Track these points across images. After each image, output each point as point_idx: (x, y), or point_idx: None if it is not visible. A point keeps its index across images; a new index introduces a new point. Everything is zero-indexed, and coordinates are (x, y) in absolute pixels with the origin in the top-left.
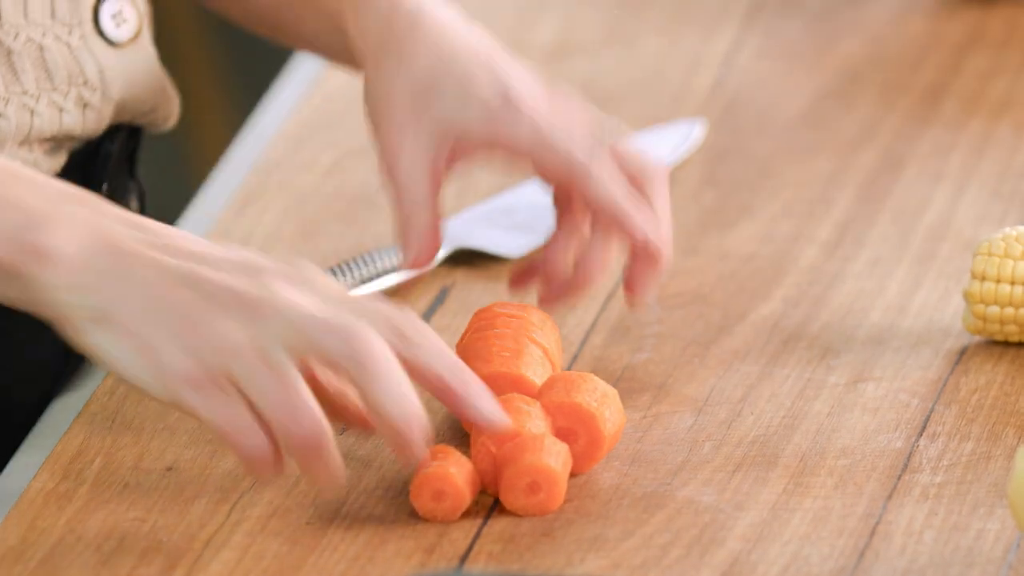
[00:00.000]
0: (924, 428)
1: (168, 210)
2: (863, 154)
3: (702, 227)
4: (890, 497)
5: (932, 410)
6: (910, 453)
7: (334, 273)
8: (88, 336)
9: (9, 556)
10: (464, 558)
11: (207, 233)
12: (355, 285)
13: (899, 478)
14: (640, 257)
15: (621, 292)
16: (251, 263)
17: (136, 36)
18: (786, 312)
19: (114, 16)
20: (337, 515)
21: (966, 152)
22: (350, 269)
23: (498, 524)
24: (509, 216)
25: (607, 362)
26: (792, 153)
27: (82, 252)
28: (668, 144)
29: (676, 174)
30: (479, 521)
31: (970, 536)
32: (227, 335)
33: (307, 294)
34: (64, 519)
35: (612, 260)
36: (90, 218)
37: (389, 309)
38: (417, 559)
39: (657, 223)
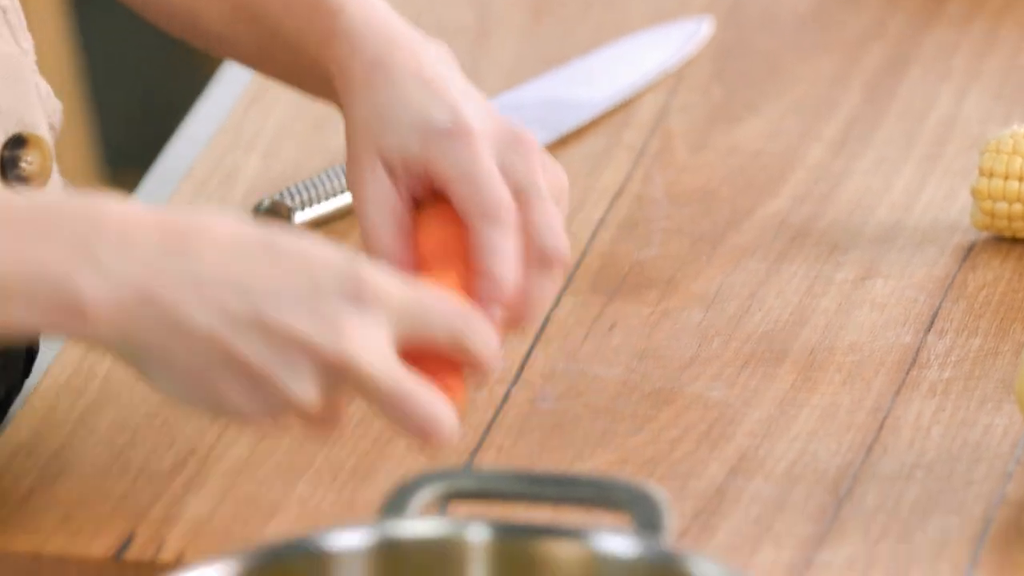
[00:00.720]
0: (932, 324)
1: (175, 108)
2: (869, 53)
3: (710, 123)
4: (898, 392)
5: (940, 306)
6: (918, 349)
7: (337, 175)
8: (141, 372)
9: (21, 451)
10: (474, 452)
11: (218, 129)
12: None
13: (907, 373)
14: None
15: (629, 189)
16: (314, 290)
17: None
18: (793, 208)
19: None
20: (348, 408)
21: (971, 52)
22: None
23: (507, 419)
24: (519, 111)
25: (615, 258)
26: (799, 51)
27: (121, 307)
28: (675, 42)
29: (684, 71)
30: (489, 416)
31: (978, 431)
32: (298, 393)
33: (376, 328)
34: (76, 414)
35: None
36: (122, 260)
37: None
38: (427, 453)
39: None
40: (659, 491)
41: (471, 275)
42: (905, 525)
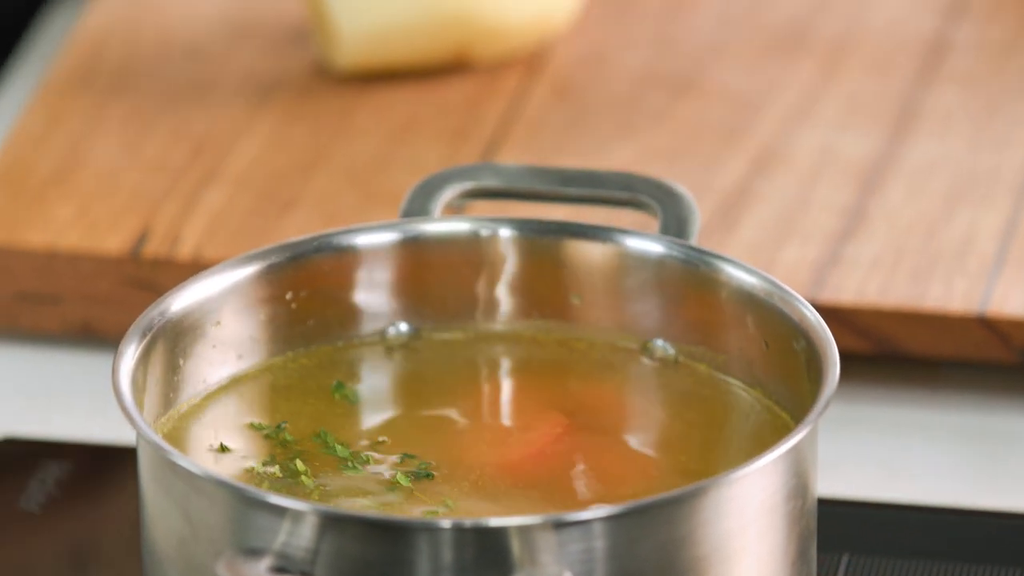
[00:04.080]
0: (957, 10)
1: None
2: None
3: None
4: (924, 82)
5: None
6: (944, 37)
7: None
8: None
9: (33, 141)
10: (494, 144)
11: None
12: None
13: (932, 62)
14: None
15: None
16: None
17: None
18: None
19: None
20: (364, 100)
21: None
22: None
23: (527, 110)
24: None
25: None
26: None
27: None
28: None
29: None
30: (508, 107)
31: (1004, 121)
32: None
33: None
34: (87, 104)
35: None
36: None
37: None
38: (445, 145)
39: None
40: (686, 190)
41: None
42: (931, 219)
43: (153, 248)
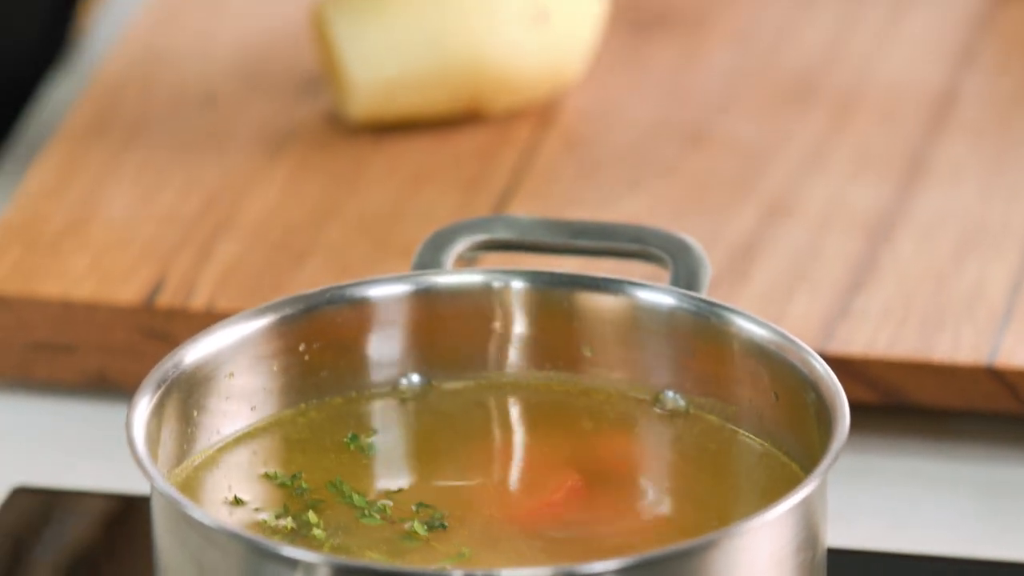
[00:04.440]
0: (966, 61)
1: None
2: None
3: None
4: (933, 133)
5: (975, 43)
6: (953, 87)
7: None
8: None
9: (48, 192)
10: (505, 195)
11: None
12: None
13: (942, 113)
14: None
15: None
16: None
17: None
18: None
19: None
20: (377, 151)
21: None
22: None
23: (538, 161)
24: None
25: None
26: None
27: None
28: None
29: None
30: (520, 158)
31: (1013, 172)
32: None
33: None
34: (102, 155)
35: None
36: None
37: None
38: (458, 197)
39: None
40: (697, 243)
41: None
42: (941, 271)
43: (167, 298)
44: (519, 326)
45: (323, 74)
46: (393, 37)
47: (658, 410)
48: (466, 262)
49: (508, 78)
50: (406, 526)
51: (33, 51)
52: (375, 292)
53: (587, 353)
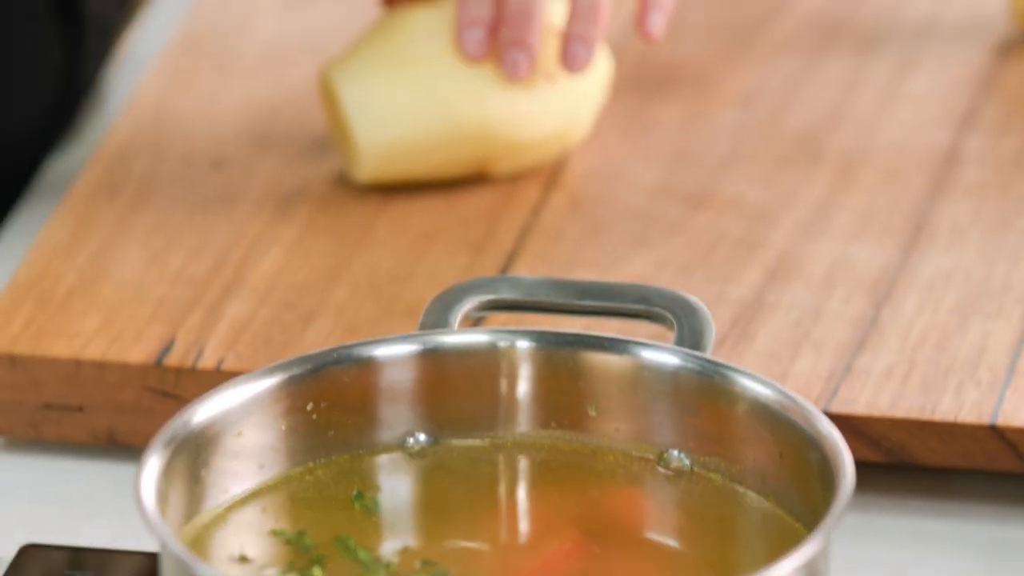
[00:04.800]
0: (969, 123)
1: None
2: None
3: None
4: (935, 194)
5: (976, 104)
6: (955, 148)
7: None
8: None
9: (59, 252)
10: (511, 256)
11: None
12: None
13: (944, 174)
14: None
15: None
16: None
17: None
18: (829, 1)
19: None
20: (384, 212)
21: None
22: None
23: (544, 221)
24: None
25: (650, 55)
26: None
27: None
28: None
29: None
30: (526, 219)
31: (1015, 233)
32: None
33: None
34: (112, 215)
35: None
36: None
37: None
38: (464, 257)
39: None
40: (701, 303)
41: None
42: (943, 331)
43: (177, 358)
44: (525, 385)
45: (331, 136)
46: (400, 101)
47: (662, 469)
48: (472, 322)
49: (515, 141)
50: None
51: (44, 118)
52: (382, 352)
53: (592, 412)
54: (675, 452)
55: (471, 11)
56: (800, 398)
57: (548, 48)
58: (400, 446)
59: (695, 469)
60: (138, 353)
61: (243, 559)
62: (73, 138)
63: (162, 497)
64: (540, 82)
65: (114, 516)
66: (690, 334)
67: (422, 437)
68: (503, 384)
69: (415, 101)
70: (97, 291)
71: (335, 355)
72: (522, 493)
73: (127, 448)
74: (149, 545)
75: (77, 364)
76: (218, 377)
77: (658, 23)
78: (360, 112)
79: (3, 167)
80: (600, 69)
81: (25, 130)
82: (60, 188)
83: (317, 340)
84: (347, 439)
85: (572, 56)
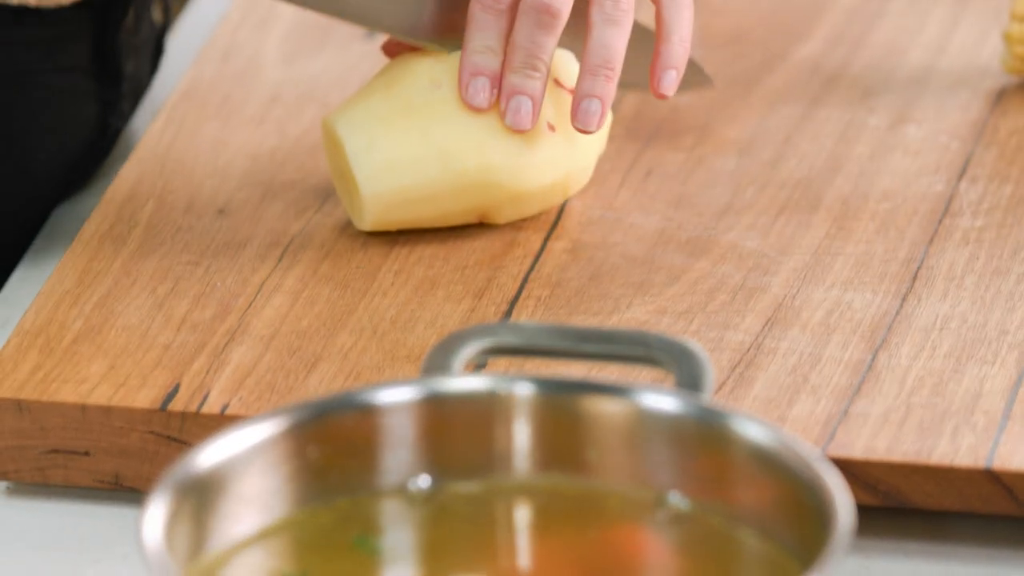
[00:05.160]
0: (964, 171)
1: None
2: None
3: None
4: (931, 241)
5: (972, 153)
6: (951, 196)
7: None
8: None
9: (66, 299)
10: (513, 302)
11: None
12: None
13: (940, 222)
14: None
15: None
16: None
17: None
18: (826, 51)
19: None
20: (387, 259)
21: None
22: None
23: (545, 268)
24: None
25: (649, 105)
26: None
27: None
28: None
29: None
30: (527, 266)
31: (1011, 280)
32: None
33: None
34: (118, 262)
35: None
36: None
37: None
38: (466, 304)
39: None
40: (700, 348)
41: None
42: (939, 376)
43: (182, 403)
44: (526, 430)
45: (334, 184)
46: (403, 150)
47: (662, 512)
48: (474, 367)
49: (517, 191)
50: None
51: (71, 169)
52: (385, 397)
53: (592, 456)
54: (674, 495)
55: (476, 61)
56: (798, 442)
57: (550, 98)
58: (402, 490)
59: (694, 512)
60: (143, 398)
61: None
62: (81, 185)
63: (166, 540)
64: (542, 132)
65: (119, 560)
66: (689, 379)
67: (424, 481)
68: (504, 429)
69: (418, 150)
70: (103, 337)
71: (338, 401)
72: (523, 536)
73: (133, 492)
74: None
75: (83, 409)
76: (222, 422)
77: (672, 83)
78: (363, 160)
79: (27, 214)
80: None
81: (52, 180)
82: (67, 235)
83: (321, 386)
84: (350, 483)
85: (585, 113)
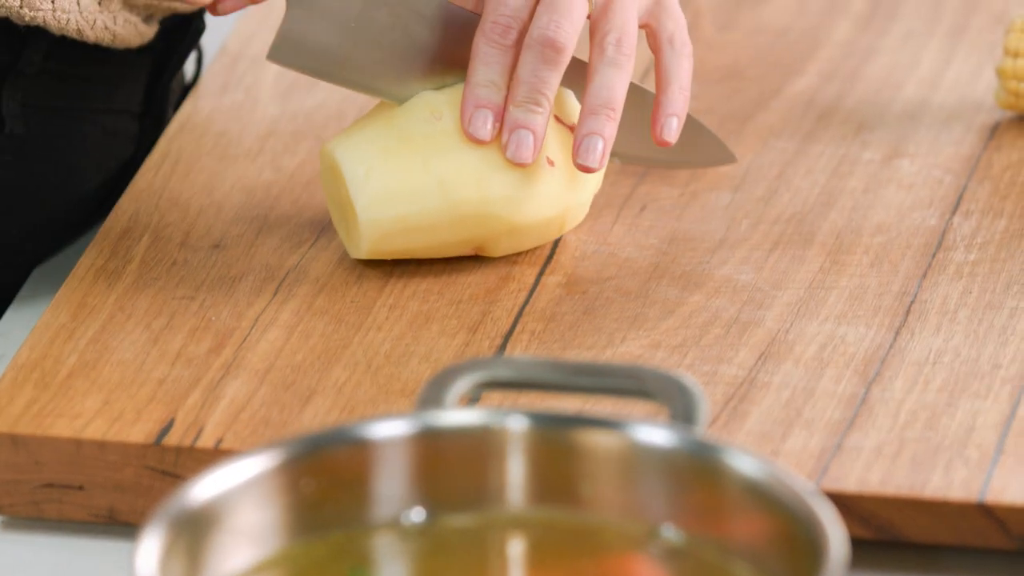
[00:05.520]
0: (958, 205)
1: None
2: None
3: (736, 2)
4: (925, 275)
5: (965, 187)
6: (944, 231)
7: None
8: None
9: (61, 334)
10: (507, 336)
11: None
12: None
13: (933, 256)
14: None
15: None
16: None
17: None
18: (820, 87)
19: None
20: (382, 293)
21: None
22: None
23: (540, 302)
24: None
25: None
26: None
27: None
28: None
29: None
30: (521, 300)
31: (1004, 314)
32: None
33: None
34: (113, 297)
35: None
36: None
37: None
38: (461, 338)
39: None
40: (694, 382)
41: None
42: (932, 410)
43: (176, 438)
44: (520, 463)
45: (330, 212)
46: (401, 179)
47: (656, 545)
48: (468, 401)
49: (514, 224)
50: None
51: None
52: (379, 431)
53: (586, 489)
54: (668, 527)
55: (480, 94)
56: (791, 476)
57: (551, 134)
58: (396, 523)
59: (687, 545)
60: (138, 433)
61: None
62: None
63: (161, 574)
64: (542, 167)
65: None
66: (683, 413)
67: (418, 514)
68: (498, 462)
69: (417, 180)
70: (98, 372)
71: (332, 435)
72: (517, 570)
73: (127, 527)
74: None
75: (78, 444)
76: (217, 456)
77: (674, 130)
78: (361, 188)
79: (51, 243)
80: None
81: (77, 214)
82: (63, 270)
83: (315, 420)
84: (344, 516)
85: (587, 151)
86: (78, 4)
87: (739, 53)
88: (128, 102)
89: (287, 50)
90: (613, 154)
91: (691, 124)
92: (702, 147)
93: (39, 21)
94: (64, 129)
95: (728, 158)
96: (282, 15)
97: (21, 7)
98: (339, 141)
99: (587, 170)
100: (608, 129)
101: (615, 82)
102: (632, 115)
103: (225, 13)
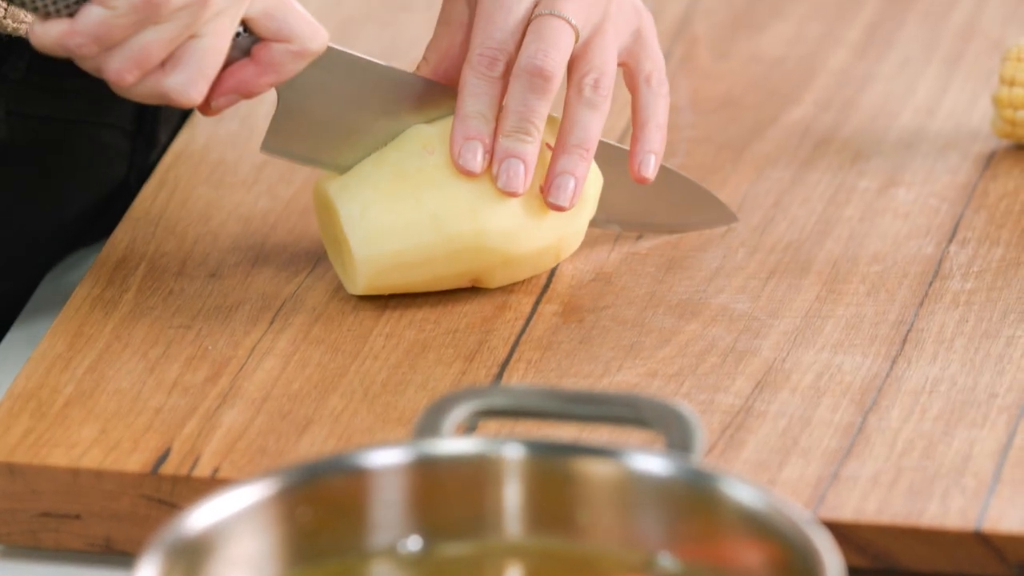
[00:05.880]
0: (954, 234)
1: None
2: None
3: (732, 30)
4: (921, 304)
5: (962, 215)
6: (941, 259)
7: None
8: None
9: (58, 363)
10: (504, 365)
11: None
12: None
13: (930, 285)
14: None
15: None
16: None
17: None
18: (817, 115)
19: None
20: (378, 322)
21: None
22: None
23: (536, 331)
24: None
25: None
26: None
27: None
28: None
29: None
30: (518, 329)
31: (1000, 343)
32: None
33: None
34: (110, 326)
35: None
36: None
37: None
38: (458, 367)
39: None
40: (690, 410)
41: None
42: (929, 438)
43: (173, 467)
44: (516, 492)
45: (326, 247)
46: (396, 216)
47: (652, 573)
48: (465, 430)
49: (509, 256)
50: None
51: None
52: (376, 460)
53: (583, 518)
54: (664, 556)
55: (470, 127)
56: (788, 504)
57: (542, 162)
58: (393, 552)
59: (685, 574)
60: (135, 462)
61: None
62: (86, 243)
63: None
64: (535, 196)
65: None
66: (680, 441)
67: (415, 543)
68: (495, 491)
69: (411, 215)
70: (95, 401)
71: (329, 463)
72: None
73: (124, 556)
74: None
75: (74, 473)
76: (213, 485)
77: (651, 167)
78: (355, 225)
79: (38, 259)
80: (592, 182)
81: (65, 234)
82: (59, 299)
83: (312, 448)
84: (340, 544)
85: (558, 189)
86: None
87: (735, 82)
88: (118, 118)
89: (279, 140)
90: (612, 222)
91: (690, 187)
92: (702, 209)
93: (22, 33)
94: (49, 137)
95: (728, 218)
96: (273, 107)
97: (4, 17)
98: (332, 178)
99: (558, 208)
100: (580, 169)
101: (590, 123)
102: (628, 181)
103: (216, 113)
